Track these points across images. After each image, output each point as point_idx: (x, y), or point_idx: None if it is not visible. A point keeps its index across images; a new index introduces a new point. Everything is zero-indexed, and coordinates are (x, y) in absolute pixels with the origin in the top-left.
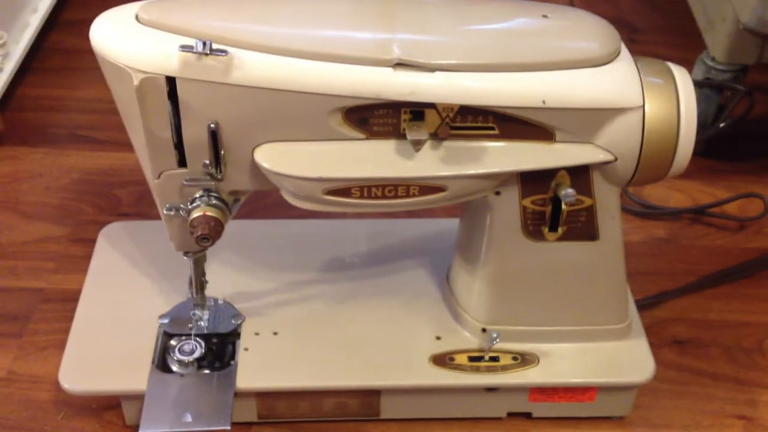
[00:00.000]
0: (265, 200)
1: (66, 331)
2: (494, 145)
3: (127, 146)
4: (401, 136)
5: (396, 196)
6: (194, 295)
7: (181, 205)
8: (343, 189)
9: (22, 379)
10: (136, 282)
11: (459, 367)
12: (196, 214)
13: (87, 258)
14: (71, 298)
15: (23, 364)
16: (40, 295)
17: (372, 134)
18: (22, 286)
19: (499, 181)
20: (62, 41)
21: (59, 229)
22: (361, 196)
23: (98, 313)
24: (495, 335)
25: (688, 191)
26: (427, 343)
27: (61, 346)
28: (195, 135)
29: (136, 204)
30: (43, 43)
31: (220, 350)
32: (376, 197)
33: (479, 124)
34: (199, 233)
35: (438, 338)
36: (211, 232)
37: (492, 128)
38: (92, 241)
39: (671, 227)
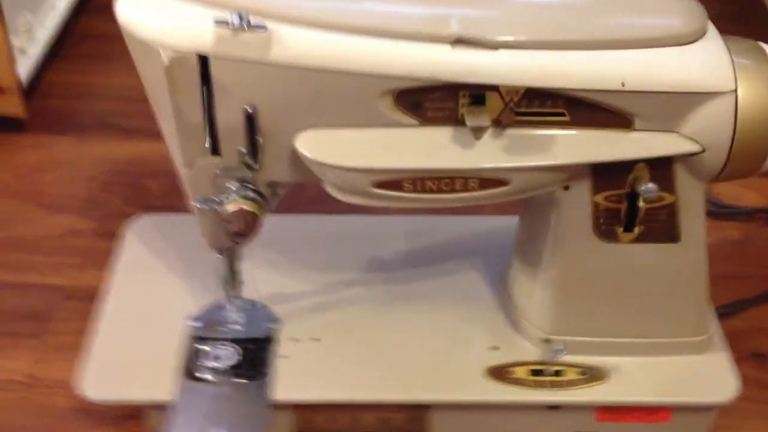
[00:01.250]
0: (306, 193)
1: (89, 332)
2: (564, 134)
3: (158, 135)
4: (459, 122)
5: (452, 190)
6: (228, 296)
7: (215, 198)
8: (394, 181)
9: (41, 384)
10: (165, 280)
11: (518, 382)
12: (230, 207)
13: (113, 253)
14: (95, 296)
15: (43, 367)
16: (63, 292)
17: (426, 120)
18: (44, 283)
19: (569, 174)
20: (93, 26)
21: (84, 222)
22: (414, 190)
23: (123, 313)
24: (561, 347)
25: (762, 189)
26: (481, 353)
27: (83, 348)
28: (230, 120)
29: (166, 196)
30: (73, 29)
31: (256, 357)
32: (430, 191)
33: (548, 110)
34: (234, 229)
35: (494, 348)
36: (247, 227)
37: (562, 114)
38: (119, 236)
39: (745, 228)
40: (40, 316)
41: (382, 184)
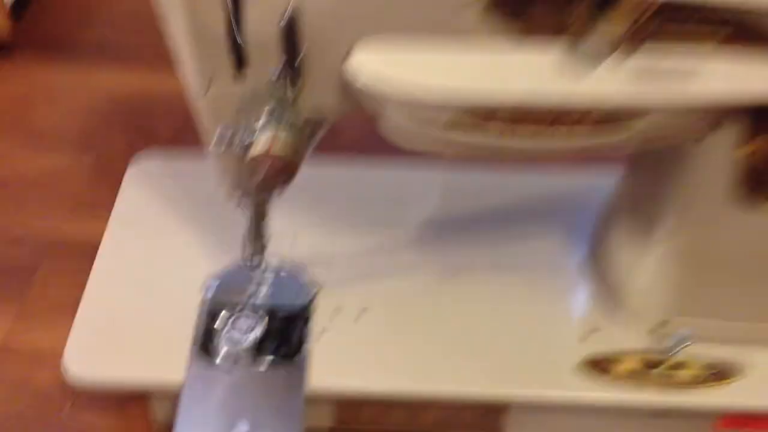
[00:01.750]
0: (346, 135)
1: (79, 295)
2: (714, 62)
3: (169, 68)
4: (572, 40)
5: (555, 134)
6: (252, 256)
7: (238, 136)
8: (478, 119)
9: (19, 355)
10: (174, 234)
11: (622, 377)
12: (258, 148)
13: (111, 200)
14: (89, 251)
15: (22, 334)
16: (51, 245)
17: (528, 32)
18: (29, 233)
19: (713, 117)
20: None
21: (79, 164)
22: (504, 131)
23: (120, 273)
24: (685, 333)
25: None
26: (571, 341)
27: (72, 313)
28: (261, 27)
29: (176, 137)
30: None
31: (288, 331)
32: (526, 134)
33: (692, 29)
34: (263, 175)
35: (588, 335)
36: (280, 173)
37: (712, 35)
38: (119, 180)
39: None
40: (21, 273)
41: (461, 123)
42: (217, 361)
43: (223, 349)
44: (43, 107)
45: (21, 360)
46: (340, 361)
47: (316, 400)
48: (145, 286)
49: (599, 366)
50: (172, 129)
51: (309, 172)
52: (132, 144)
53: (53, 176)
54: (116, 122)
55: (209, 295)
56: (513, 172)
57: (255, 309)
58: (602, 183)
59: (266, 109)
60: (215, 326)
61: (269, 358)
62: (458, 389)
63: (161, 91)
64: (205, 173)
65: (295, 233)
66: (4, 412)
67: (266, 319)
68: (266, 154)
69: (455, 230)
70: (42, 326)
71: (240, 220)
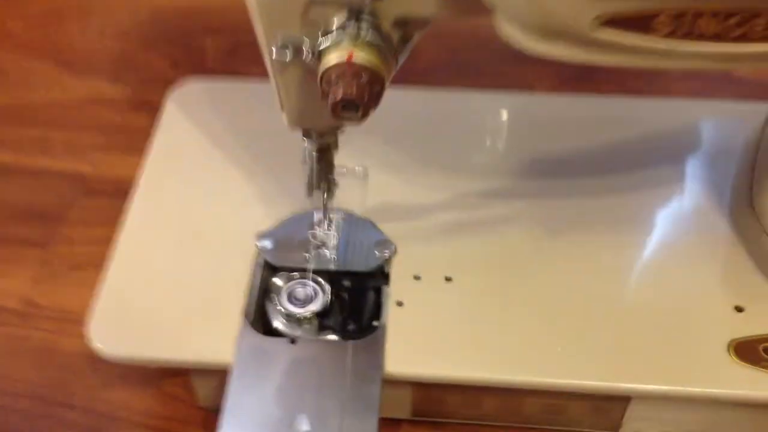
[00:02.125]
0: (422, 59)
1: (111, 247)
2: None
3: None
4: None
5: (741, 36)
6: (316, 207)
7: (306, 44)
8: (642, 15)
9: (42, 315)
10: (221, 176)
11: None
12: (334, 58)
13: (149, 133)
14: (123, 192)
15: (47, 290)
16: (81, 184)
17: None
18: (57, 170)
19: None
20: None
21: (116, 90)
22: (671, 33)
23: (158, 223)
24: None
25: None
26: (720, 317)
27: (102, 267)
28: None
29: (227, 59)
30: None
31: (357, 301)
32: (700, 36)
33: None
34: (340, 96)
35: (740, 309)
36: (362, 93)
37: None
38: (159, 109)
39: None
40: (48, 217)
41: (618, 20)
42: (271, 336)
43: (279, 323)
44: (75, 24)
45: (46, 322)
46: (420, 339)
47: (390, 387)
48: (185, 241)
49: (751, 351)
50: (222, 51)
51: (384, 102)
52: (177, 66)
53: (85, 103)
54: (158, 41)
55: (262, 255)
56: (634, 98)
57: (318, 273)
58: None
59: (345, 6)
60: (269, 294)
61: (334, 333)
62: (570, 378)
63: (210, 7)
64: (259, 101)
65: (365, 177)
66: (29, 380)
67: (330, 287)
68: (347, 65)
69: (558, 174)
70: (69, 282)
71: (303, 158)
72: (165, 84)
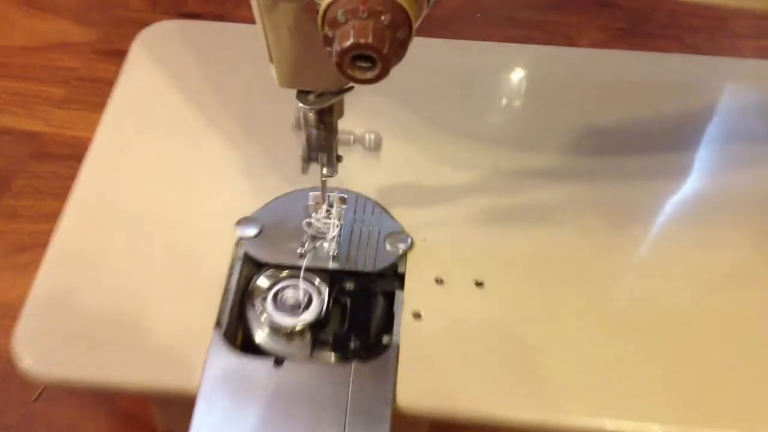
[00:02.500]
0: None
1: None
2: None
3: None
4: None
5: None
6: (312, 186)
7: None
8: None
9: None
10: (192, 144)
11: None
12: None
13: (114, 83)
14: (80, 154)
15: None
16: (33, 145)
17: None
18: (5, 127)
19: None
20: None
21: (83, 33)
22: None
23: (110, 202)
24: None
25: None
26: None
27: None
28: None
29: (212, 1)
30: None
31: (363, 311)
32: None
33: None
34: (350, 42)
35: None
36: (382, 41)
37: None
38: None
39: None
40: None
41: None
42: (252, 355)
43: (262, 337)
44: None
45: None
46: (443, 364)
47: (403, 423)
48: (143, 228)
49: None
50: None
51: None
52: (154, 6)
53: (49, 48)
54: None
55: (242, 247)
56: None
57: (312, 274)
58: None
59: None
60: (250, 299)
61: (331, 355)
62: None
63: None
64: (244, 48)
65: (377, 148)
66: None
67: (328, 290)
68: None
69: (608, 149)
70: (10, 266)
71: (293, 124)
72: (136, 27)
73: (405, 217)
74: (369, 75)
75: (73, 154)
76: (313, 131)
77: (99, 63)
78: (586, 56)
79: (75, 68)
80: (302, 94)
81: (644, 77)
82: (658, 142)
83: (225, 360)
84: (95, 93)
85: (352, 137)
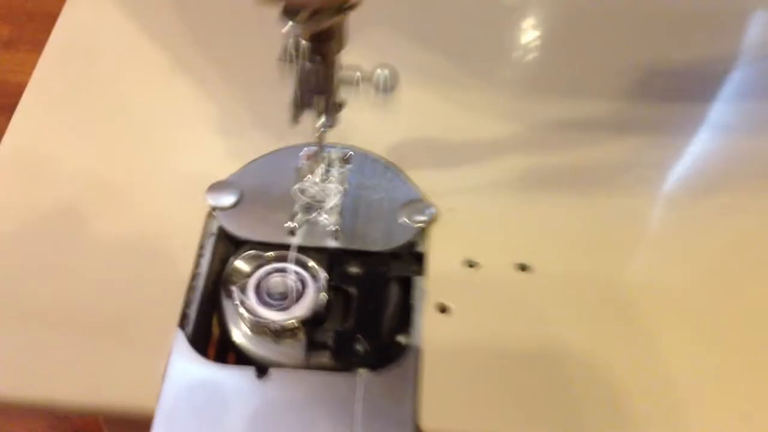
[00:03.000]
0: None
1: None
2: None
3: None
4: None
5: None
6: (306, 141)
7: None
8: None
9: None
10: (151, 88)
11: None
12: None
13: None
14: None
15: None
16: None
17: None
18: None
19: None
20: None
21: None
22: None
23: (42, 154)
24: None
25: None
26: None
27: None
28: None
29: None
30: None
31: (373, 302)
32: None
33: None
34: None
35: None
36: None
37: None
38: None
39: None
40: None
41: None
42: (227, 363)
43: (241, 336)
44: None
45: None
46: (476, 372)
47: None
48: (79, 191)
49: None
50: None
51: None
52: None
53: None
54: None
55: (215, 221)
56: None
57: (306, 254)
58: None
59: None
60: (226, 286)
61: (331, 361)
62: None
63: None
64: None
65: (391, 88)
66: None
67: (327, 276)
68: None
69: (684, 84)
70: None
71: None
72: None
73: (425, 181)
74: None
75: (13, 105)
76: (307, 66)
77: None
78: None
79: (21, 2)
80: (290, 13)
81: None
82: (742, 85)
83: (191, 370)
84: (44, 31)
85: (358, 74)
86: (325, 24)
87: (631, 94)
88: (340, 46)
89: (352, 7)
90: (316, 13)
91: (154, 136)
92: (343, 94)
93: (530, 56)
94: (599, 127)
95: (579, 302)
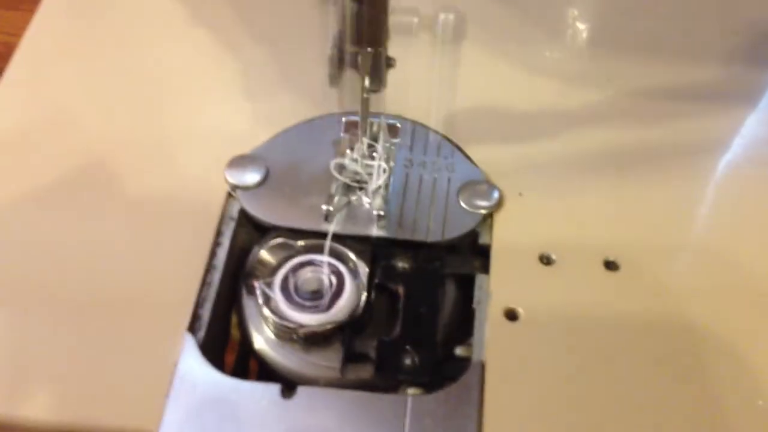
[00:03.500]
0: None
1: None
2: None
3: None
4: None
5: None
6: (345, 107)
7: None
8: None
9: None
10: (163, 43)
11: None
12: None
13: None
14: None
15: None
16: None
17: None
18: None
19: None
20: None
21: None
22: None
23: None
24: None
25: None
26: None
27: None
28: None
29: None
30: None
31: (425, 305)
32: None
33: None
34: None
35: None
36: None
37: None
38: None
39: None
40: None
41: None
42: (247, 378)
43: (264, 343)
44: None
45: None
46: (552, 390)
47: None
48: (76, 164)
49: None
50: None
51: None
52: None
53: None
54: None
55: (236, 203)
56: None
57: (345, 245)
58: None
59: None
60: (247, 282)
61: (376, 372)
62: None
63: None
64: None
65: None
66: None
67: (370, 272)
68: None
69: None
70: None
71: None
72: None
73: (489, 159)
74: None
75: None
76: (350, 9)
77: None
78: None
79: None
80: None
81: None
82: None
83: (201, 385)
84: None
85: (416, 20)
86: None
87: (740, 58)
88: None
89: None
90: None
91: (166, 100)
92: (395, 47)
93: (619, 11)
94: (701, 96)
95: (679, 306)
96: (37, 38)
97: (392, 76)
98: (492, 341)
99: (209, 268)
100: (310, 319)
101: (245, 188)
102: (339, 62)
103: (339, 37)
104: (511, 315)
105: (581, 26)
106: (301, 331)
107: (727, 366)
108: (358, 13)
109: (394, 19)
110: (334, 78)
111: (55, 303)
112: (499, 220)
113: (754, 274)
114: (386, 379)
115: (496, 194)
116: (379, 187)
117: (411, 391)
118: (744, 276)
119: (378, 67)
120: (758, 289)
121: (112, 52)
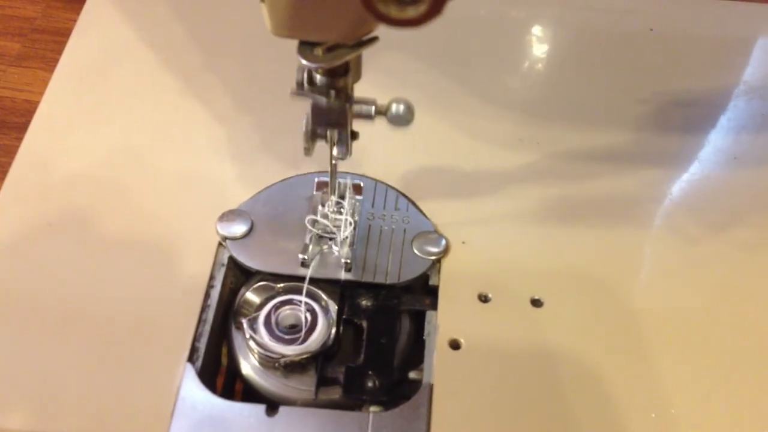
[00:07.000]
0: None
1: None
2: None
3: None
4: None
5: None
6: (319, 171)
7: None
8: None
9: None
10: (162, 113)
11: None
12: None
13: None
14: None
15: None
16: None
17: None
18: None
19: None
20: None
21: None
22: None
23: (50, 180)
24: None
25: None
26: None
27: None
28: None
29: None
30: None
31: (384, 337)
32: None
33: None
34: None
35: None
36: None
37: None
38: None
39: None
40: None
41: None
42: (234, 400)
43: (250, 369)
44: None
45: None
46: (488, 409)
47: None
48: (86, 220)
49: None
50: None
51: None
52: None
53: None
54: None
55: (226, 251)
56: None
57: (318, 287)
58: None
59: None
60: (236, 318)
61: (344, 394)
62: None
63: None
64: None
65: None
66: None
67: (338, 309)
68: None
69: (707, 114)
70: None
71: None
72: None
73: (438, 212)
74: (411, 13)
75: (26, 124)
76: (322, 100)
77: (59, 11)
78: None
79: (31, 17)
80: (307, 47)
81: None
82: (762, 116)
83: (199, 405)
84: (56, 48)
85: (373, 108)
86: (342, 59)
87: (649, 123)
88: (355, 78)
89: (371, 42)
90: (332, 49)
91: (166, 163)
92: (357, 126)
93: (547, 86)
94: (615, 157)
95: (591, 337)
96: (52, 101)
97: (356, 143)
98: (439, 367)
99: (204, 307)
100: (289, 350)
101: (233, 239)
102: (312, 136)
103: (313, 118)
104: (455, 345)
105: (515, 99)
106: (282, 360)
107: (625, 384)
108: (328, 104)
109: (357, 106)
110: (308, 150)
111: (79, 337)
112: (446, 264)
113: (647, 309)
114: (352, 399)
115: (443, 242)
116: (346, 237)
117: (372, 408)
118: (639, 309)
119: (344, 140)
120: (652, 324)
121: (118, 120)
